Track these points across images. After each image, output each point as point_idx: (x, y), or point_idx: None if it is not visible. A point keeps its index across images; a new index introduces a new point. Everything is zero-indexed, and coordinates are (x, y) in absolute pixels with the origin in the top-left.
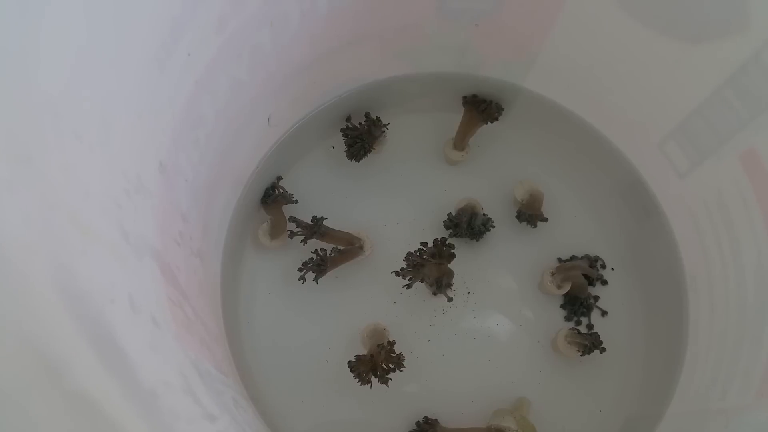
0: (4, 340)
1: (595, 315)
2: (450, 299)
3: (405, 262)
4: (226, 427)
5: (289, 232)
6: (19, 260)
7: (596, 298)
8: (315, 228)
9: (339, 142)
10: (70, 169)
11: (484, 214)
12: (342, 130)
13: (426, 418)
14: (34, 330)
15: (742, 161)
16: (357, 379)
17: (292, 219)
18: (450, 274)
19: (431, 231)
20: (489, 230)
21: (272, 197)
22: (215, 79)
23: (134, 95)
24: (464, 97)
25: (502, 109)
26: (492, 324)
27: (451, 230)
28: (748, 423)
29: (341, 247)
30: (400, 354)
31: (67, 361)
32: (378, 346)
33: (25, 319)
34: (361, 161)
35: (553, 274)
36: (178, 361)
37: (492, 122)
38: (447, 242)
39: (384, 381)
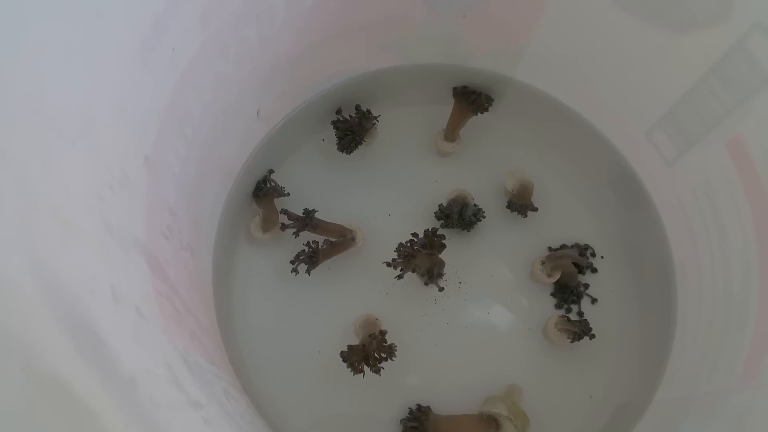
0: None
1: (585, 303)
2: (441, 289)
3: (396, 253)
4: (212, 415)
5: (281, 225)
6: None
7: (586, 286)
8: (307, 220)
9: (329, 135)
10: (49, 163)
11: (474, 205)
12: (332, 122)
13: (419, 405)
14: (3, 316)
15: (728, 148)
16: (349, 369)
17: (284, 212)
18: (441, 264)
19: (423, 222)
20: (480, 220)
21: (264, 190)
22: (201, 73)
23: (117, 90)
24: (454, 89)
25: (492, 100)
26: (483, 313)
27: (442, 221)
28: (732, 405)
29: (333, 239)
30: (392, 344)
31: (38, 346)
32: (370, 335)
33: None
34: (352, 154)
35: (543, 262)
36: (163, 352)
37: (482, 113)
38: (438, 233)
39: (376, 370)
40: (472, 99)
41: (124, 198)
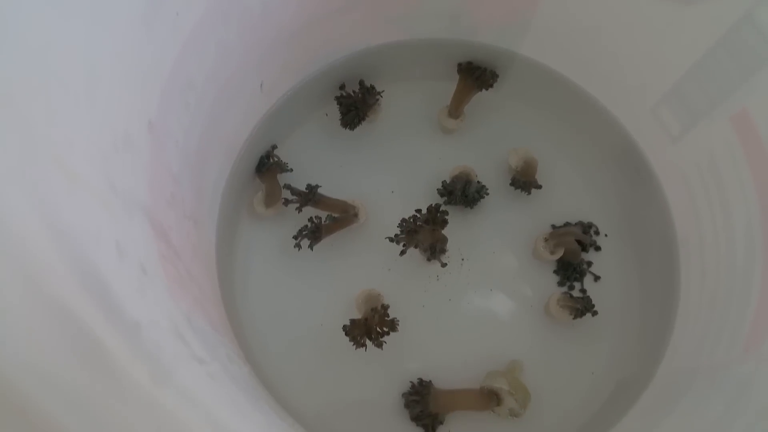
0: None
1: (587, 280)
2: (444, 265)
3: (399, 229)
4: (217, 372)
5: (284, 200)
6: None
7: (589, 263)
8: (310, 195)
9: (333, 110)
10: (54, 115)
11: (478, 182)
12: (336, 98)
13: (420, 380)
14: (10, 243)
15: (734, 123)
16: (352, 343)
17: (287, 187)
18: (444, 240)
19: (426, 199)
20: (483, 197)
21: (267, 165)
22: (203, 41)
23: (121, 52)
24: (459, 65)
25: (497, 76)
26: (485, 289)
27: (445, 198)
28: (734, 376)
29: (336, 215)
30: (394, 318)
31: (43, 275)
32: (372, 309)
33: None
34: (355, 130)
35: (546, 240)
36: (167, 310)
37: (487, 89)
38: (441, 209)
39: (378, 344)
40: (476, 75)
41: (128, 160)
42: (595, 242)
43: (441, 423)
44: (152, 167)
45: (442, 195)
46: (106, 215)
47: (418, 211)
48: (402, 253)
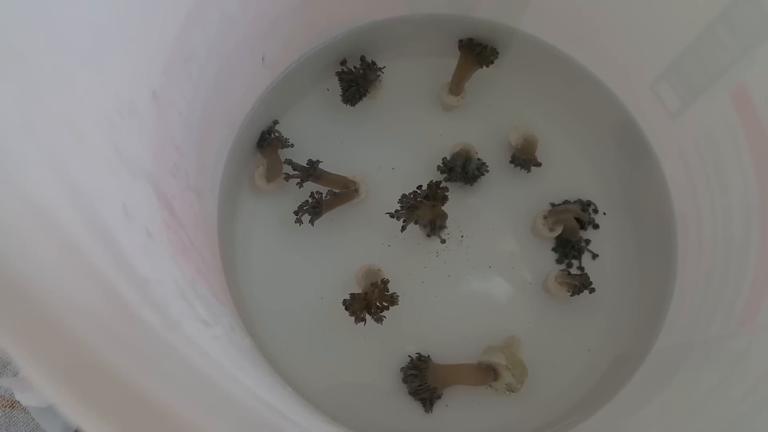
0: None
1: (585, 258)
2: (443, 241)
3: (399, 204)
4: (221, 336)
5: (285, 176)
6: (11, 137)
7: (587, 241)
8: (311, 171)
9: (333, 86)
10: (62, 76)
11: (478, 159)
12: (337, 73)
13: (419, 354)
14: (28, 191)
15: (733, 98)
16: (352, 317)
17: (288, 162)
18: (443, 216)
19: (426, 176)
20: (483, 174)
21: (268, 140)
22: (207, 11)
23: (125, 18)
24: (460, 41)
25: (498, 53)
26: (484, 266)
27: (445, 175)
28: (730, 349)
29: (336, 190)
30: (393, 293)
31: (61, 221)
32: (372, 284)
33: (18, 179)
34: (356, 106)
35: (545, 217)
36: (173, 274)
37: (487, 66)
38: (441, 185)
39: (378, 319)
40: (477, 51)
41: (133, 128)
42: (593, 220)
43: (439, 397)
44: (156, 137)
45: (442, 172)
46: (113, 178)
47: (419, 187)
48: (402, 228)
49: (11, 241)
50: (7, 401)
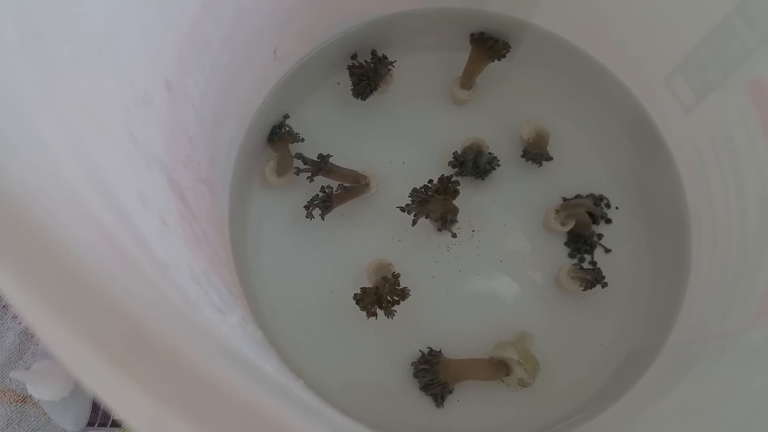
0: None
1: (598, 253)
2: (454, 235)
3: (410, 198)
4: (235, 325)
5: (295, 170)
6: (33, 111)
7: (600, 236)
8: (321, 165)
9: (344, 80)
10: (79, 60)
11: (489, 153)
12: (348, 67)
13: (430, 349)
14: (53, 166)
15: (749, 90)
16: (363, 311)
17: (299, 156)
18: (455, 210)
19: (437, 170)
20: (494, 169)
21: (279, 135)
22: (221, 2)
23: (140, 5)
24: (472, 35)
25: (509, 47)
26: (495, 261)
27: (456, 169)
28: (744, 344)
29: (347, 185)
30: (404, 287)
31: (84, 197)
32: (383, 278)
33: (39, 151)
34: (367, 100)
35: (557, 211)
36: (188, 262)
37: (499, 60)
38: (452, 179)
39: (389, 313)
40: (489, 45)
41: (147, 116)
42: (606, 214)
43: (450, 392)
44: (170, 127)
45: (453, 166)
46: (129, 165)
47: (430, 181)
48: (413, 223)
49: (41, 207)
50: (19, 396)
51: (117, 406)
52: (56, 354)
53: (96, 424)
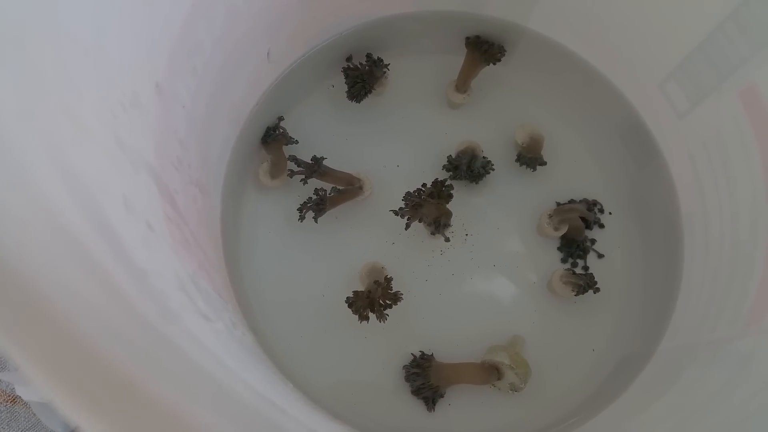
0: None
1: (591, 258)
2: (447, 239)
3: (404, 202)
4: (222, 332)
5: (289, 172)
6: (9, 123)
7: (593, 241)
8: (315, 167)
9: (339, 82)
10: (63, 65)
11: (484, 157)
12: (343, 69)
13: (422, 353)
14: (24, 178)
15: (742, 98)
16: (356, 315)
17: (293, 158)
18: (448, 214)
19: (431, 173)
20: (488, 173)
21: (273, 136)
22: (212, 3)
23: (129, 7)
24: (467, 38)
25: (505, 51)
26: (489, 265)
27: (450, 173)
28: (735, 351)
29: (341, 187)
30: (397, 291)
31: (57, 209)
32: (375, 282)
33: (14, 165)
34: (361, 102)
35: (550, 216)
36: (173, 267)
37: (494, 64)
38: (446, 183)
39: (381, 317)
40: (484, 49)
41: (135, 120)
42: (599, 220)
43: (441, 396)
44: (159, 129)
45: (447, 170)
46: (113, 169)
47: (424, 185)
48: (407, 226)
49: (3, 224)
50: (9, 396)
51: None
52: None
53: None
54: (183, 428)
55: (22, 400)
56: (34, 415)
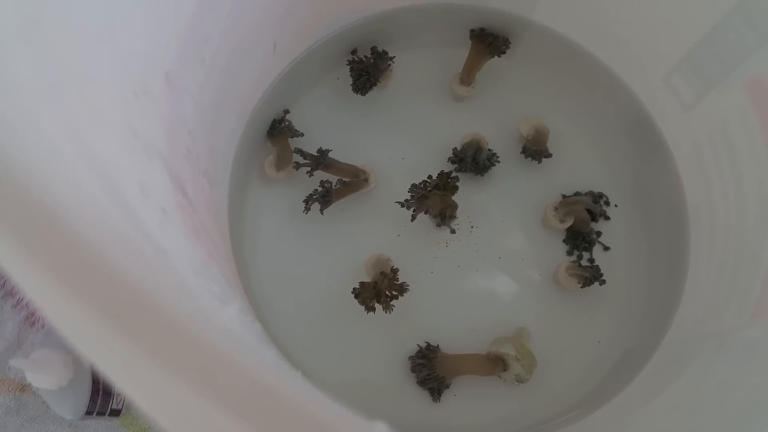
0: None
1: (596, 250)
2: (453, 231)
3: (410, 194)
4: (234, 316)
5: (295, 164)
6: (31, 99)
7: (598, 233)
8: (321, 159)
9: (344, 75)
10: (78, 50)
11: (489, 150)
12: (348, 62)
13: (427, 344)
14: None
15: (748, 90)
16: (361, 306)
17: (298, 151)
18: (454, 206)
19: (436, 166)
20: (494, 165)
21: (278, 129)
22: None
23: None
24: (472, 31)
25: (510, 43)
26: (494, 257)
27: (456, 165)
28: (741, 341)
29: (346, 180)
30: (403, 282)
31: (82, 180)
32: (381, 273)
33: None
34: (366, 95)
35: (556, 208)
36: (187, 253)
37: (499, 56)
38: (452, 175)
39: (387, 308)
40: (489, 41)
41: (147, 108)
42: (604, 212)
43: (447, 387)
44: (169, 119)
45: (452, 162)
46: (129, 156)
47: (429, 177)
48: (412, 218)
49: (41, 186)
50: (18, 384)
51: (118, 374)
52: (53, 320)
53: (95, 413)
54: (229, 366)
55: (30, 388)
56: (43, 403)
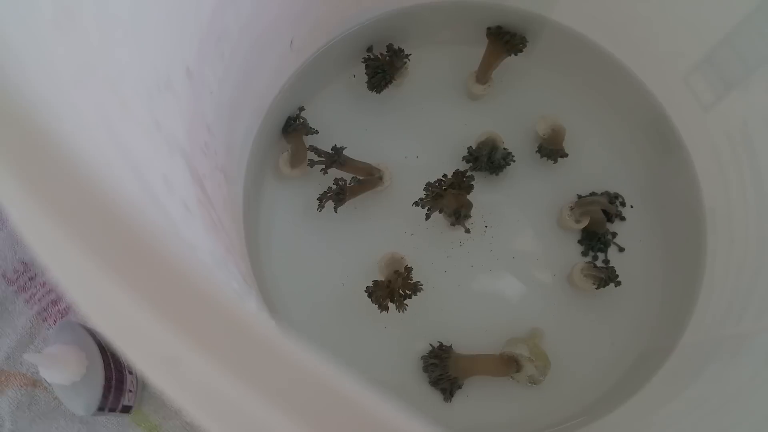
0: None
1: (612, 251)
2: (467, 231)
3: (424, 192)
4: (255, 310)
5: (309, 162)
6: (64, 85)
7: (614, 234)
8: (335, 157)
9: (360, 72)
10: (107, 40)
11: (504, 149)
12: (364, 59)
13: (440, 343)
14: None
15: None
16: (375, 305)
17: (312, 148)
18: (468, 205)
19: (451, 165)
20: (509, 164)
21: (293, 126)
22: None
23: None
24: (488, 29)
25: (527, 41)
26: (508, 257)
27: (471, 164)
28: (761, 344)
29: (361, 177)
30: (417, 281)
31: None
32: (395, 272)
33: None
34: (382, 93)
35: (572, 208)
36: (210, 248)
37: (516, 54)
38: (467, 174)
39: (401, 307)
40: (506, 39)
41: (169, 102)
42: (620, 213)
43: (459, 387)
44: (190, 114)
45: (467, 161)
46: (153, 148)
47: (444, 175)
48: (427, 217)
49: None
50: (30, 380)
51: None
52: (43, 258)
53: (106, 409)
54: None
55: (41, 384)
56: (54, 399)
